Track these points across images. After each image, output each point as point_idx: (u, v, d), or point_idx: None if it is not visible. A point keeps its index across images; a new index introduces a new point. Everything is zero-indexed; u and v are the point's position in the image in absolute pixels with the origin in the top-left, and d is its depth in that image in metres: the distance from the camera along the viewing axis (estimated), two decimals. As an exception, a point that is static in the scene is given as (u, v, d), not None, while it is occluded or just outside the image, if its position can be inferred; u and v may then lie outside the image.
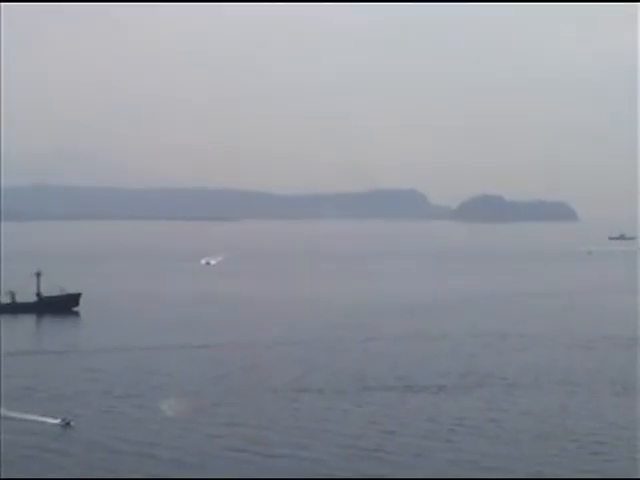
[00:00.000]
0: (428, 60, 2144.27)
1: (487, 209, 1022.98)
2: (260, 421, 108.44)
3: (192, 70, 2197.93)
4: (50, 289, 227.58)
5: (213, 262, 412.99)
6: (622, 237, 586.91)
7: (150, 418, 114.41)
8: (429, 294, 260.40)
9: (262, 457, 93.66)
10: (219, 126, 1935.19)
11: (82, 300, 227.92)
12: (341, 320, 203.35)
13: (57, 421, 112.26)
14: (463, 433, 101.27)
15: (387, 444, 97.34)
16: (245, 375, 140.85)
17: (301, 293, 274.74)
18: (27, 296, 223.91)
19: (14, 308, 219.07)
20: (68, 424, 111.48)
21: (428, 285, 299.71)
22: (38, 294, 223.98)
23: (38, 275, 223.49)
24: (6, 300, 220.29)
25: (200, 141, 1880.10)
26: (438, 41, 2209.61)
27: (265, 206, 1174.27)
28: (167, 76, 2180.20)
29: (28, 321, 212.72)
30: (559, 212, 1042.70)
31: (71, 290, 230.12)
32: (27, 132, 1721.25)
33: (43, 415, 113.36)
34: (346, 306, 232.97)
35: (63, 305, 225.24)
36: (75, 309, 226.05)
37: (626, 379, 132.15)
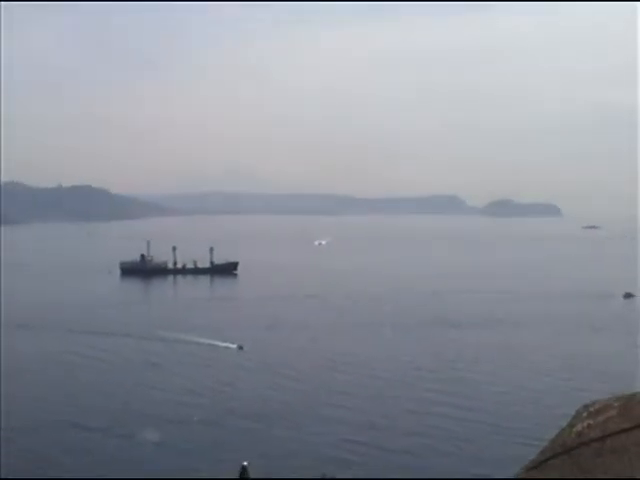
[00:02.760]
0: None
1: (502, 208, 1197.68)
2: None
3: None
4: (218, 259, 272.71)
5: (323, 243, 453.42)
6: (592, 227, 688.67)
7: (297, 342, 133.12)
8: (484, 262, 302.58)
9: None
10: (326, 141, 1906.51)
11: (239, 266, 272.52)
12: (418, 279, 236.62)
13: (234, 346, 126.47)
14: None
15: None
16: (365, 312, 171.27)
17: (385, 261, 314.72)
18: (204, 263, 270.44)
19: (196, 271, 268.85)
20: (241, 348, 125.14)
21: (479, 256, 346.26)
22: (211, 262, 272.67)
23: (211, 250, 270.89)
24: (190, 266, 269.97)
25: (312, 156, 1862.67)
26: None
27: (357, 205, 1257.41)
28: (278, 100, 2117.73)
29: (205, 280, 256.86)
30: (549, 210, 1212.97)
31: (232, 259, 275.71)
32: (203, 150, 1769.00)
33: (224, 341, 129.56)
34: (418, 269, 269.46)
35: (227, 269, 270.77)
36: (235, 272, 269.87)
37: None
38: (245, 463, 41.48)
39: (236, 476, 41.96)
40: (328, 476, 44.40)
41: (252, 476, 41.47)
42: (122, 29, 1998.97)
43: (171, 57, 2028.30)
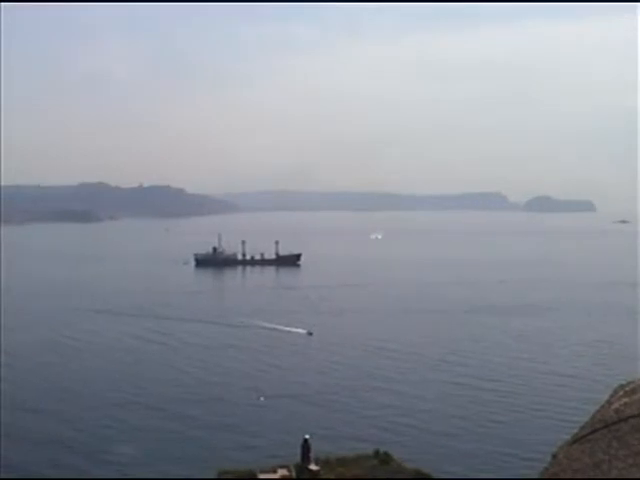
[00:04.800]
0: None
1: (542, 204, 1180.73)
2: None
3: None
4: (283, 251, 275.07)
5: (379, 236, 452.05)
6: (623, 221, 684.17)
7: (359, 328, 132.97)
8: (526, 253, 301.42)
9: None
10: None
11: (302, 258, 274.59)
12: (469, 271, 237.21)
13: (304, 332, 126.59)
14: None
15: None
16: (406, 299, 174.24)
17: (436, 252, 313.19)
18: (270, 255, 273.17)
19: (263, 262, 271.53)
20: (311, 334, 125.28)
21: (522, 248, 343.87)
22: (276, 254, 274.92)
23: (277, 243, 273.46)
24: (258, 257, 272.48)
25: (368, 156, 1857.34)
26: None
27: (409, 202, 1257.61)
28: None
29: (271, 270, 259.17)
30: (585, 206, 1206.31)
31: (295, 252, 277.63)
32: (267, 152, 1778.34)
33: (296, 327, 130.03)
34: (472, 259, 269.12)
35: (291, 261, 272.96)
36: (298, 263, 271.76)
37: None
38: (307, 436, 41.56)
39: (299, 448, 42.17)
40: (381, 449, 44.39)
41: (313, 449, 41.67)
42: (184, 47, 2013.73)
43: (222, 69, 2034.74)
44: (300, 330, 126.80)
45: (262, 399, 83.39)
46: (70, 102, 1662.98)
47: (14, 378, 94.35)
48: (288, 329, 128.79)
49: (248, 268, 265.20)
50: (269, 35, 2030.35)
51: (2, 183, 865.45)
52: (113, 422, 75.26)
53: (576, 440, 7.10)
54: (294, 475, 40.72)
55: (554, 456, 7.41)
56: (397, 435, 65.80)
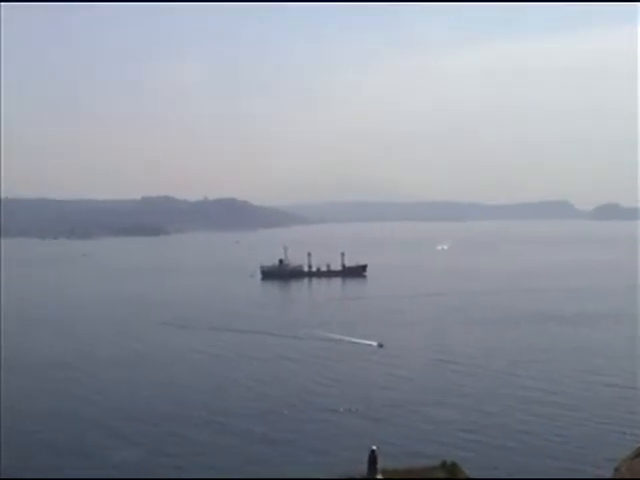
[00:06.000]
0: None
1: (610, 212, 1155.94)
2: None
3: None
4: (349, 262, 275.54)
5: (445, 247, 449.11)
6: None
7: (429, 339, 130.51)
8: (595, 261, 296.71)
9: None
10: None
11: (368, 269, 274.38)
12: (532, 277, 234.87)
13: (374, 343, 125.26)
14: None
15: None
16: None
17: (502, 262, 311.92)
18: (336, 266, 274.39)
19: (329, 273, 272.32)
20: (381, 346, 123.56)
21: (590, 256, 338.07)
22: (342, 265, 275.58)
23: (342, 254, 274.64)
24: (324, 269, 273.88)
25: (434, 166, 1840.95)
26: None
27: (475, 212, 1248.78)
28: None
29: (337, 281, 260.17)
30: None
31: (361, 263, 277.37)
32: (333, 163, 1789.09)
33: (366, 339, 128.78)
34: (532, 268, 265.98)
35: (357, 272, 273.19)
36: (364, 274, 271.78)
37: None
38: (374, 447, 41.37)
39: (366, 459, 42.04)
40: (449, 461, 43.86)
41: (380, 460, 41.47)
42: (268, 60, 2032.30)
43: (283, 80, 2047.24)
44: (370, 342, 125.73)
45: (331, 409, 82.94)
46: (133, 116, 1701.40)
47: (78, 391, 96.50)
48: (357, 341, 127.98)
49: (314, 280, 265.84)
50: (328, 50, 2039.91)
51: (66, 198, 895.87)
52: (170, 436, 75.42)
53: (638, 454, 7.00)
54: (360, 486, 40.52)
55: (616, 469, 7.30)
56: (461, 450, 64.39)
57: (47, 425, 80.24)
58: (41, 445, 73.19)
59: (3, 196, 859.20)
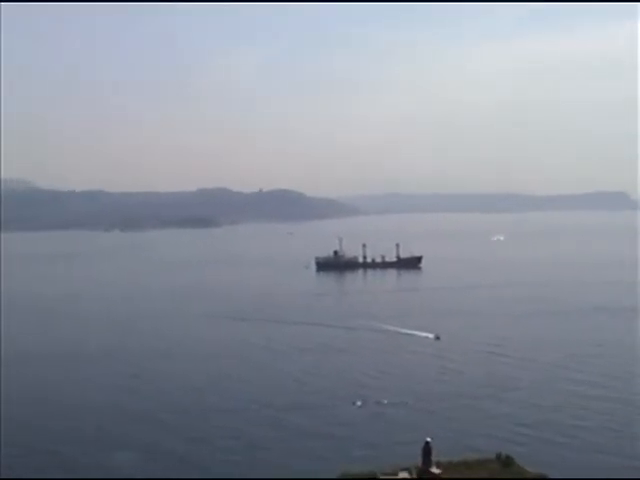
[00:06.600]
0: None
1: None
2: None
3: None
4: (404, 253, 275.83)
5: (501, 238, 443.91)
6: None
7: (486, 330, 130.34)
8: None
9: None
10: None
11: (423, 260, 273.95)
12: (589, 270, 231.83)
13: (431, 335, 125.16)
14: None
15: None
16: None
17: (558, 252, 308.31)
18: (391, 257, 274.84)
19: (383, 265, 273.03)
20: (438, 338, 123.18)
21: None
22: (397, 256, 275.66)
23: (397, 245, 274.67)
24: (379, 260, 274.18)
25: (486, 157, 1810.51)
26: None
27: (530, 203, 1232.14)
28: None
29: (392, 272, 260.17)
30: None
31: (416, 254, 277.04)
32: (384, 155, 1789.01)
33: (423, 331, 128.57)
34: (588, 260, 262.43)
35: (412, 263, 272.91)
36: (419, 265, 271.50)
37: None
38: (428, 439, 42.02)
39: (419, 453, 42.65)
40: (504, 453, 44.30)
41: (434, 452, 42.07)
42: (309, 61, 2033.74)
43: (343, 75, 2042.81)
44: (427, 334, 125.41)
45: (385, 402, 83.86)
46: (193, 108, 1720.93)
47: (127, 383, 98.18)
48: (413, 333, 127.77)
49: (369, 271, 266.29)
50: (390, 42, 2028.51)
51: (119, 190, 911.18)
52: (220, 430, 75.66)
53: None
54: (415, 477, 41.25)
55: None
56: (514, 444, 64.14)
57: (92, 418, 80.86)
58: (87, 437, 73.93)
59: (55, 189, 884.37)
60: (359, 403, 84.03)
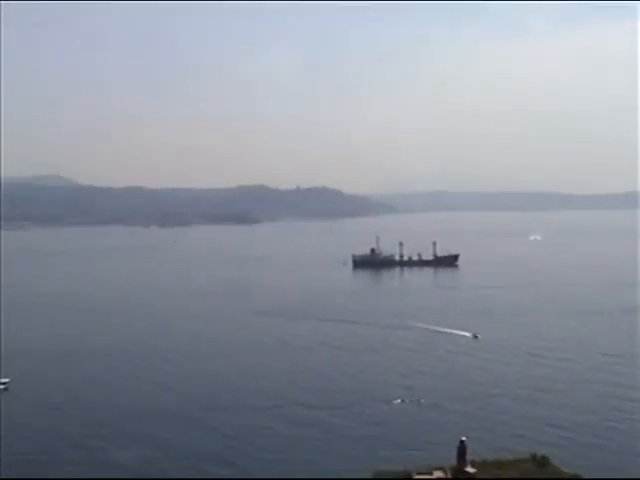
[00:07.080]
0: None
1: None
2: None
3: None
4: (441, 251, 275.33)
5: (538, 237, 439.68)
6: None
7: (525, 329, 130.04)
8: None
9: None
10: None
11: (460, 258, 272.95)
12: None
13: (469, 334, 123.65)
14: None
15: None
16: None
17: (594, 251, 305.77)
18: (428, 256, 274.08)
19: (420, 263, 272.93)
20: (476, 337, 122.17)
21: None
22: (434, 254, 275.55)
23: (434, 243, 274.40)
24: (415, 258, 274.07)
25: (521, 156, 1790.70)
26: None
27: (567, 201, 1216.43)
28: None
29: (429, 271, 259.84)
30: None
31: (453, 252, 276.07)
32: (422, 155, 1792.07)
33: (460, 329, 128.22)
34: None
35: (449, 261, 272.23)
36: (456, 264, 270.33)
37: None
38: (463, 438, 42.24)
39: (454, 454, 42.89)
40: (539, 454, 44.40)
41: (469, 451, 42.28)
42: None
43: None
44: (465, 333, 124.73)
45: (422, 401, 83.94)
46: (228, 106, 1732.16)
47: (162, 380, 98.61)
48: (451, 331, 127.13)
49: (406, 269, 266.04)
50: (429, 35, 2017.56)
51: (160, 186, 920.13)
52: (253, 430, 75.77)
53: None
54: (450, 476, 41.45)
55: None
56: (549, 446, 63.40)
57: (125, 416, 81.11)
58: (118, 436, 74.36)
59: (90, 185, 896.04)
60: (398, 401, 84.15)
